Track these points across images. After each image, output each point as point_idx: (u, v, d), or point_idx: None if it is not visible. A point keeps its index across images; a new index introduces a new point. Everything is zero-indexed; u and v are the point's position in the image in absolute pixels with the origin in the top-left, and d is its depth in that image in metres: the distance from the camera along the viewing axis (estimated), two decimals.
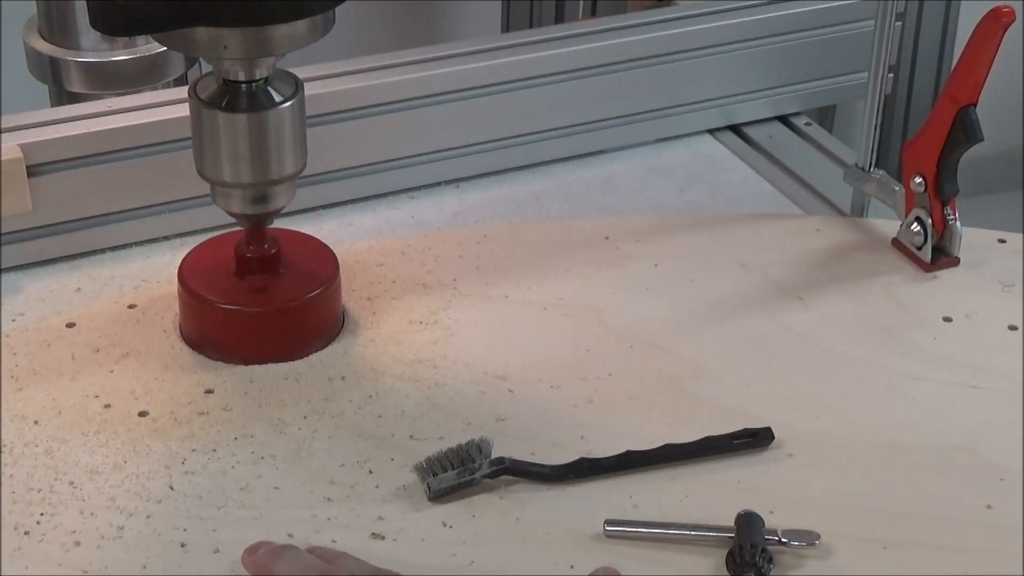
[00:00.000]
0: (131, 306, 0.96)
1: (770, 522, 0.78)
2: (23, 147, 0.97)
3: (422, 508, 0.80)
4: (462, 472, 0.80)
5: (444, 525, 0.79)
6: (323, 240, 0.96)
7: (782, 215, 1.09)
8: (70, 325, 0.94)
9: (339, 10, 0.84)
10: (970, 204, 1.03)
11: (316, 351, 0.91)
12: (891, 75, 1.33)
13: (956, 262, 1.01)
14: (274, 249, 0.92)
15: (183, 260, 0.93)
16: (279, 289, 0.91)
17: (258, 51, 0.83)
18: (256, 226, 0.91)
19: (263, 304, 0.91)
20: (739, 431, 0.85)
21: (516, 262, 1.01)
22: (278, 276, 0.92)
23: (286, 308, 0.90)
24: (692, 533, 0.78)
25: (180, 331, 0.92)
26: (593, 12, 1.55)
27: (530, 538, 0.78)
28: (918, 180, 0.99)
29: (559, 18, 1.55)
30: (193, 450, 0.84)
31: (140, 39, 1.14)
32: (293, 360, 0.91)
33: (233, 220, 0.92)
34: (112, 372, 0.90)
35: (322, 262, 0.93)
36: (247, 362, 0.90)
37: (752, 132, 1.21)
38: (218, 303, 0.90)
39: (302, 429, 0.86)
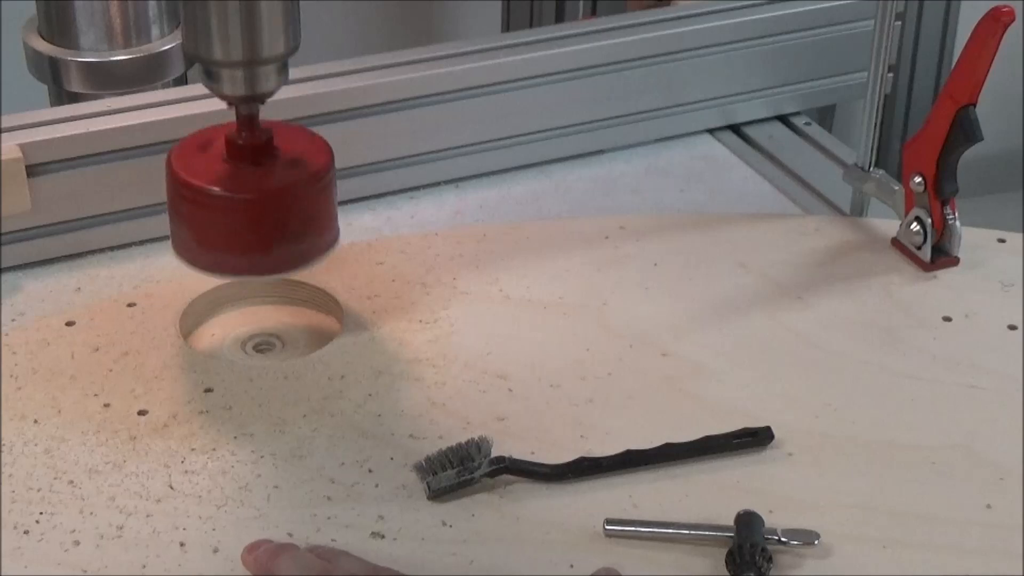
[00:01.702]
0: (131, 305, 0.96)
1: (770, 522, 0.78)
2: (23, 147, 0.97)
3: (422, 507, 0.80)
4: (462, 471, 0.80)
5: (444, 524, 0.79)
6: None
7: (782, 215, 1.09)
8: (70, 324, 0.94)
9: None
10: (970, 204, 1.03)
11: (311, 255, 0.87)
12: (891, 75, 1.33)
13: (956, 262, 1.01)
14: (266, 137, 0.87)
15: (172, 149, 0.88)
16: (272, 176, 0.87)
17: None
18: (248, 114, 0.86)
19: (255, 190, 0.86)
20: (739, 431, 0.85)
21: (516, 261, 1.01)
22: (271, 164, 0.87)
23: (279, 194, 0.86)
24: (692, 533, 0.78)
25: (172, 243, 0.88)
26: (593, 12, 1.55)
27: (530, 538, 0.78)
28: (918, 180, 0.99)
29: (559, 18, 1.55)
30: (193, 449, 0.84)
31: (140, 39, 1.14)
32: (288, 266, 0.87)
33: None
34: (112, 371, 0.90)
35: (316, 152, 0.89)
36: (239, 268, 0.86)
37: (752, 132, 1.21)
38: (209, 189, 0.85)
39: (302, 428, 0.86)
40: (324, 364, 0.91)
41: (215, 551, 0.77)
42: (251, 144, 0.87)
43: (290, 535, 0.78)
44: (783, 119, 1.23)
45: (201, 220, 0.87)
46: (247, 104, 0.86)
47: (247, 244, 0.86)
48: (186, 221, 0.87)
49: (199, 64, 0.85)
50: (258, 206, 0.86)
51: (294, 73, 0.90)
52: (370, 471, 0.82)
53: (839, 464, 0.84)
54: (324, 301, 0.98)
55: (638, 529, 0.78)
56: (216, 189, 0.85)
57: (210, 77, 0.85)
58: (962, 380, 0.90)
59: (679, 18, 1.16)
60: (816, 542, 0.77)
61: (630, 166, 1.16)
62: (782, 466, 0.83)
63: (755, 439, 0.84)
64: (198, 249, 0.87)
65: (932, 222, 1.00)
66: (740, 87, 1.19)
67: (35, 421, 0.86)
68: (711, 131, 1.20)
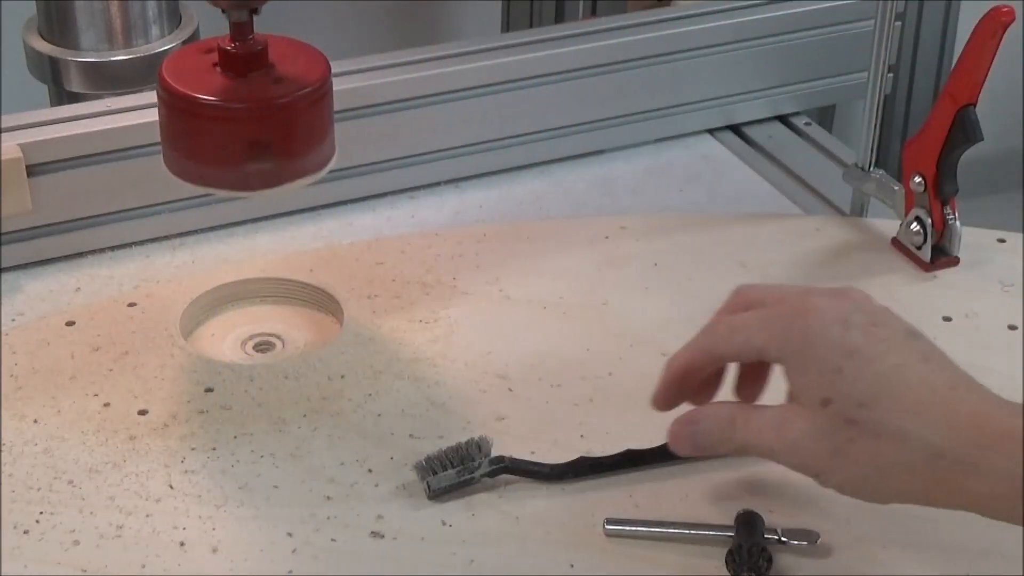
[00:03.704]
0: (131, 304, 0.96)
1: (770, 522, 0.78)
2: (23, 147, 0.97)
3: (421, 507, 0.80)
4: (462, 471, 0.80)
5: (444, 524, 0.79)
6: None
7: (782, 215, 1.09)
8: (70, 324, 0.94)
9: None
10: (970, 204, 1.03)
11: (306, 170, 0.85)
12: (891, 75, 1.33)
13: (956, 262, 1.01)
14: (260, 47, 0.85)
15: (163, 61, 0.86)
16: (266, 86, 0.84)
17: None
18: (241, 22, 0.84)
19: (249, 100, 0.83)
20: None
21: (516, 261, 1.01)
22: (265, 75, 0.85)
23: (274, 104, 0.83)
24: (692, 532, 0.78)
25: (164, 160, 0.86)
26: (593, 12, 1.55)
27: (530, 537, 0.78)
28: (918, 180, 0.99)
29: (559, 18, 1.55)
30: (192, 449, 0.84)
31: (140, 39, 1.14)
32: (282, 180, 0.84)
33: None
34: (111, 371, 0.90)
35: (312, 65, 0.86)
36: (235, 184, 0.84)
37: (752, 132, 1.21)
38: (201, 99, 0.83)
39: (301, 428, 0.86)
40: (324, 364, 0.91)
41: (215, 551, 0.77)
42: (242, 54, 0.84)
43: (290, 535, 0.78)
44: (783, 119, 1.23)
45: (188, 130, 0.84)
46: (238, 9, 0.83)
47: (234, 156, 0.83)
48: (175, 131, 0.85)
49: None
50: (247, 116, 0.83)
51: None
52: (370, 471, 0.82)
53: None
54: (324, 301, 0.98)
55: (638, 529, 0.78)
56: (204, 98, 0.83)
57: None
58: None
59: (679, 18, 1.16)
60: (817, 542, 0.77)
61: (630, 166, 1.16)
62: (782, 466, 0.83)
63: None
64: (187, 161, 0.84)
65: (932, 222, 1.00)
66: (740, 87, 1.19)
67: (35, 421, 0.86)
68: (711, 131, 1.20)
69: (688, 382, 0.78)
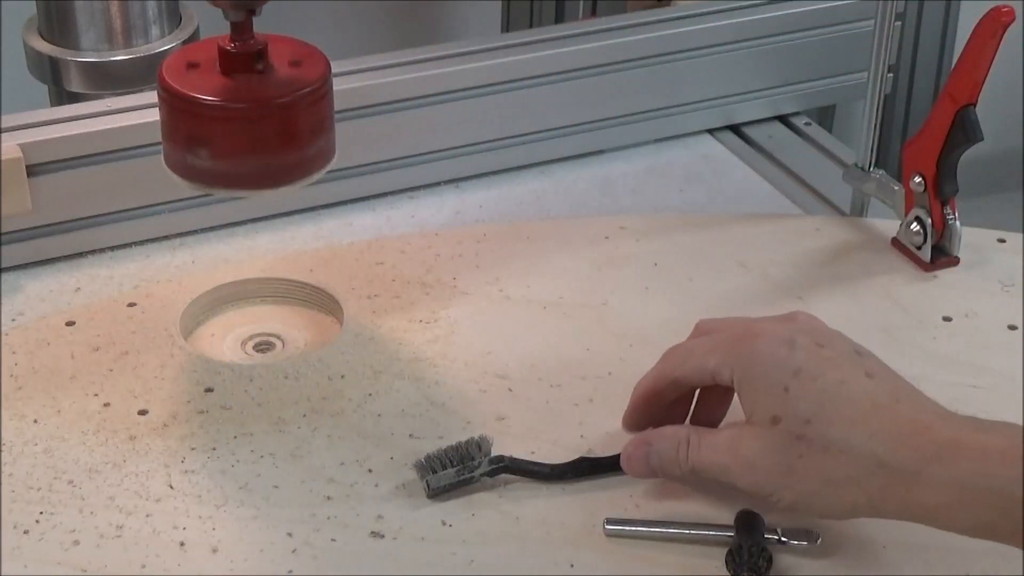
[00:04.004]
0: (131, 305, 0.96)
1: (770, 522, 0.78)
2: (23, 147, 0.97)
3: (421, 507, 0.80)
4: (461, 470, 0.80)
5: (444, 524, 0.79)
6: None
7: (782, 215, 1.09)
8: (70, 324, 0.94)
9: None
10: (970, 204, 1.03)
11: (306, 169, 0.85)
12: (891, 75, 1.33)
13: (956, 262, 1.01)
14: (260, 47, 0.85)
15: (163, 61, 0.86)
16: (266, 86, 0.84)
17: None
18: (241, 22, 0.84)
19: (249, 100, 0.83)
20: None
21: (516, 261, 1.01)
22: (265, 75, 0.85)
23: (274, 104, 0.83)
24: (692, 532, 0.78)
25: (164, 160, 0.86)
26: (593, 12, 1.55)
27: (530, 537, 0.78)
28: (918, 180, 0.99)
29: (559, 18, 1.55)
30: (192, 449, 0.84)
31: (140, 39, 1.14)
32: (282, 180, 0.84)
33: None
34: (111, 371, 0.90)
35: (312, 65, 0.86)
36: (235, 184, 0.84)
37: (752, 132, 1.21)
38: (202, 99, 0.83)
39: (301, 428, 0.86)
40: (324, 364, 0.91)
41: (215, 551, 0.77)
42: (242, 54, 0.84)
43: (290, 535, 0.78)
44: (783, 119, 1.23)
45: (188, 130, 0.84)
46: (237, 9, 0.83)
47: (234, 156, 0.83)
48: (175, 131, 0.84)
49: None
50: (247, 116, 0.83)
51: None
52: (370, 471, 0.82)
53: None
54: (324, 301, 0.98)
55: (638, 529, 0.78)
56: (204, 98, 0.83)
57: None
58: (962, 380, 0.90)
59: (679, 18, 1.16)
60: (817, 542, 0.77)
61: (630, 166, 1.16)
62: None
63: None
64: (187, 161, 0.84)
65: (932, 222, 1.00)
66: (740, 87, 1.19)
67: (35, 421, 0.86)
68: (711, 131, 1.20)
69: (653, 406, 0.82)
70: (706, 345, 0.79)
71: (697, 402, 0.82)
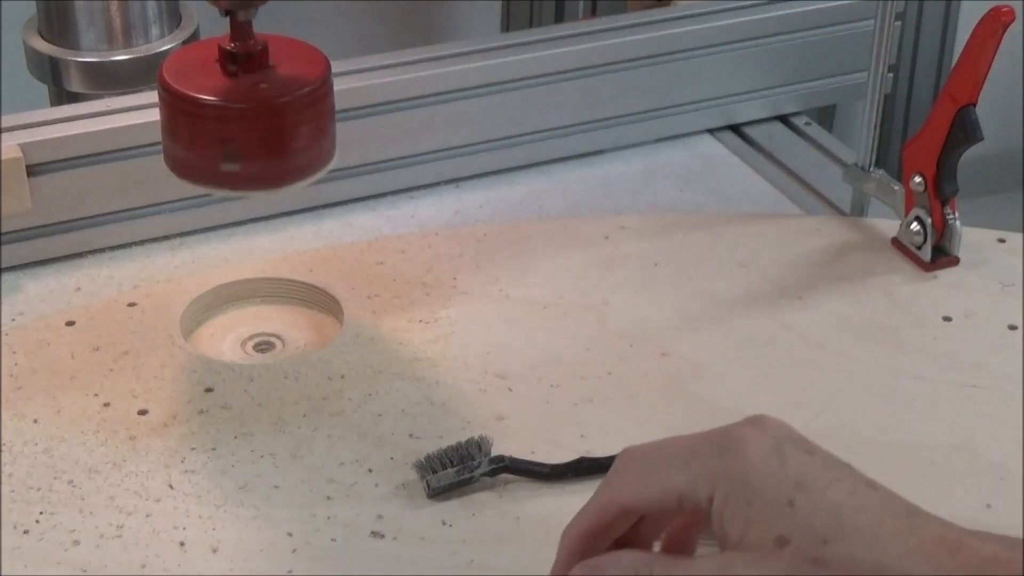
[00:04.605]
0: (131, 305, 0.96)
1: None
2: (23, 147, 0.97)
3: (421, 507, 0.80)
4: (461, 470, 0.80)
5: (444, 524, 0.79)
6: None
7: (782, 215, 1.09)
8: (70, 324, 0.94)
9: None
10: (970, 204, 1.03)
11: (306, 170, 0.85)
12: (891, 75, 1.33)
13: (956, 262, 1.01)
14: (260, 47, 0.85)
15: (163, 61, 0.86)
16: (267, 86, 0.84)
17: None
18: (241, 22, 0.84)
19: (249, 100, 0.83)
20: None
21: (516, 261, 1.01)
22: (265, 75, 0.85)
23: (274, 104, 0.83)
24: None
25: (164, 160, 0.86)
26: (593, 12, 1.55)
27: (530, 537, 0.78)
28: (918, 180, 0.99)
29: (559, 18, 1.55)
30: (192, 449, 0.84)
31: (140, 39, 1.14)
32: (282, 180, 0.84)
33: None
34: (111, 371, 0.90)
35: (312, 65, 0.86)
36: (235, 184, 0.84)
37: (752, 132, 1.21)
38: (202, 99, 0.82)
39: (301, 428, 0.86)
40: (324, 364, 0.91)
41: (215, 551, 0.77)
42: (242, 54, 0.83)
43: (290, 535, 0.78)
44: (783, 119, 1.23)
45: (188, 130, 0.84)
46: (237, 9, 0.83)
47: (234, 156, 0.83)
48: (175, 131, 0.84)
49: None
50: (247, 116, 0.83)
51: None
52: (370, 471, 0.82)
53: None
54: (324, 301, 0.98)
55: None
56: (204, 98, 0.82)
57: None
58: (962, 380, 0.90)
59: (679, 18, 1.16)
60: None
61: (630, 166, 1.16)
62: None
63: None
64: (187, 160, 0.84)
65: (932, 222, 1.00)
66: (740, 87, 1.19)
67: (35, 421, 0.86)
68: (711, 131, 1.20)
69: (597, 550, 0.67)
70: (674, 460, 0.65)
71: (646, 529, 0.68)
